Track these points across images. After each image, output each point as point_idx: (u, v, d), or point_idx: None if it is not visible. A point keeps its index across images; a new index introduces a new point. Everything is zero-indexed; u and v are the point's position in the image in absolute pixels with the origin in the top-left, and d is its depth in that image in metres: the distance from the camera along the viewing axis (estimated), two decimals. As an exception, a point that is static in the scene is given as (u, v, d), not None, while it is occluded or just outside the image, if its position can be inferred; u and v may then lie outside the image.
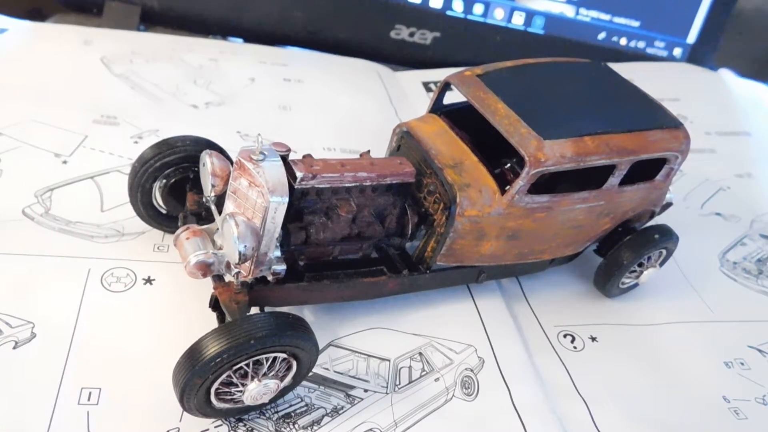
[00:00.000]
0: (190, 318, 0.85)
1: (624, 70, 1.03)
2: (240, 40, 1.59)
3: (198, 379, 0.69)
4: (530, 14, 1.63)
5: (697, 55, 1.74)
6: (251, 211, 0.76)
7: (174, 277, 0.89)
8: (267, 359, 0.72)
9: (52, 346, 0.80)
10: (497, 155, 0.93)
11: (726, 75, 1.75)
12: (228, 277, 0.80)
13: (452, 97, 0.96)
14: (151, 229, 0.95)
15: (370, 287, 0.87)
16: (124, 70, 1.32)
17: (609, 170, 0.88)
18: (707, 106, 1.59)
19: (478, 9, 1.61)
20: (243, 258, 0.72)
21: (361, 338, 0.89)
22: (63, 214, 0.96)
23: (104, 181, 1.03)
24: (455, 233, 0.86)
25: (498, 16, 1.62)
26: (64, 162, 1.06)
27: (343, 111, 1.35)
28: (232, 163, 0.80)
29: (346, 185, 0.83)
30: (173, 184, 0.90)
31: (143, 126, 1.16)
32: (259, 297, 0.80)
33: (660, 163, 0.92)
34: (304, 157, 0.83)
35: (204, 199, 0.84)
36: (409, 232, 0.89)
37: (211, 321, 0.79)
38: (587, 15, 1.65)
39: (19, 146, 1.07)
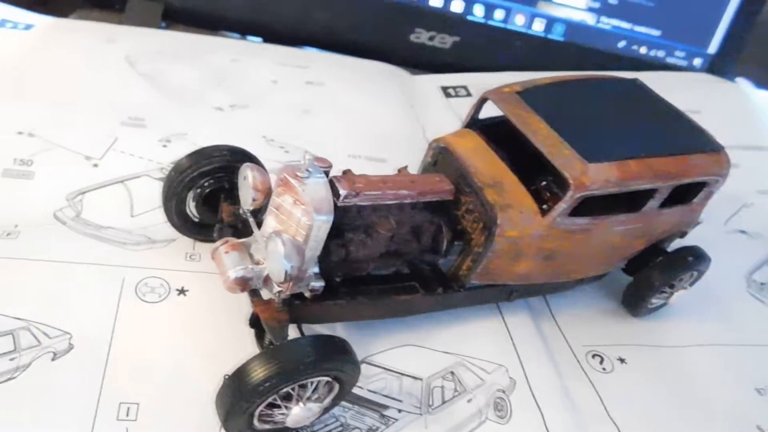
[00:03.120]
0: (225, 331, 0.84)
1: (642, 79, 1.02)
2: (259, 40, 1.59)
3: (244, 403, 0.68)
4: (551, 21, 1.62)
5: (716, 66, 1.72)
6: (294, 229, 0.75)
7: (207, 288, 0.88)
8: (312, 383, 0.71)
9: (89, 358, 0.79)
10: (532, 170, 0.91)
11: (744, 85, 1.74)
12: (265, 293, 0.79)
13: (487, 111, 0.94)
14: (180, 236, 0.94)
15: (405, 305, 0.87)
16: (148, 69, 1.31)
17: (645, 191, 0.87)
18: (728, 118, 1.57)
19: (499, 14, 1.60)
20: (288, 277, 0.71)
21: (392, 355, 0.89)
22: (94, 219, 0.95)
23: (134, 186, 1.02)
24: (493, 253, 0.85)
25: (518, 22, 1.61)
26: (95, 165, 1.05)
27: (365, 116, 1.34)
28: (267, 174, 0.80)
29: (387, 203, 0.82)
30: (208, 193, 0.89)
31: (170, 129, 1.16)
32: (296, 314, 0.79)
33: (698, 185, 0.91)
34: (344, 172, 0.82)
35: (240, 212, 0.83)
36: (443, 249, 0.87)
37: (245, 333, 0.79)
38: (608, 23, 1.64)
39: (50, 148, 1.06)
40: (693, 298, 1.05)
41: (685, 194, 0.93)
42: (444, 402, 0.84)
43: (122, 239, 0.93)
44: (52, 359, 0.78)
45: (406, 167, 0.90)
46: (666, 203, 0.90)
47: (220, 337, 0.84)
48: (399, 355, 0.89)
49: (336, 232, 0.79)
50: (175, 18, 1.54)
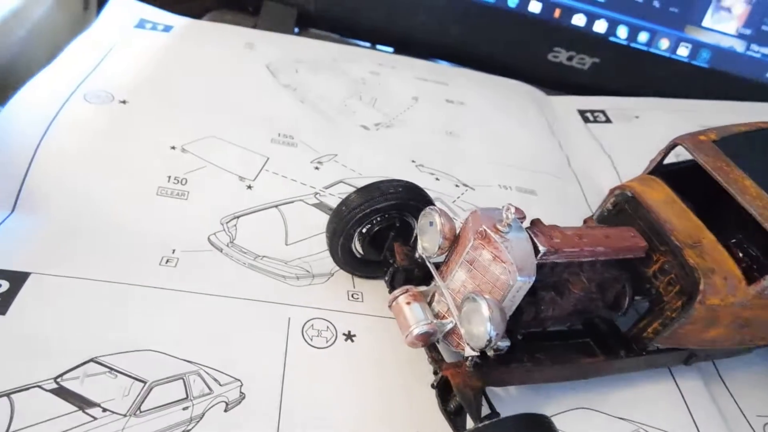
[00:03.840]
0: (398, 385, 0.79)
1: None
2: (390, 49, 1.54)
3: None
4: (697, 46, 1.55)
5: None
6: (490, 286, 0.70)
7: (375, 333, 0.84)
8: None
9: (262, 409, 0.73)
10: (721, 226, 0.84)
11: None
12: (444, 348, 0.75)
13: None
14: (339, 270, 0.90)
15: (586, 368, 0.82)
16: (290, 81, 1.27)
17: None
18: None
19: (643, 37, 1.54)
20: (489, 344, 0.66)
21: (566, 419, 0.82)
22: (247, 245, 0.91)
23: (288, 211, 0.97)
24: (687, 319, 0.78)
25: (663, 46, 1.54)
26: (249, 187, 1.00)
27: (509, 139, 1.29)
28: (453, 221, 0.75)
29: (582, 260, 0.76)
30: (376, 231, 0.84)
31: (320, 149, 1.11)
32: (484, 378, 0.73)
33: None
34: (532, 223, 0.76)
35: (417, 257, 0.79)
36: (625, 307, 0.81)
37: (417, 389, 0.76)
38: (758, 51, 1.55)
39: (204, 166, 1.01)
40: None
41: None
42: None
43: (281, 271, 0.89)
44: (225, 410, 0.72)
45: (591, 217, 0.84)
46: None
47: (392, 394, 0.78)
48: (573, 419, 0.82)
49: (532, 292, 0.73)
50: (307, 23, 1.51)
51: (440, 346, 0.76)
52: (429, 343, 0.73)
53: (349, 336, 0.83)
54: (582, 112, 1.46)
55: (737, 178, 0.80)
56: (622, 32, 1.53)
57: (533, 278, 0.68)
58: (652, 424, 0.84)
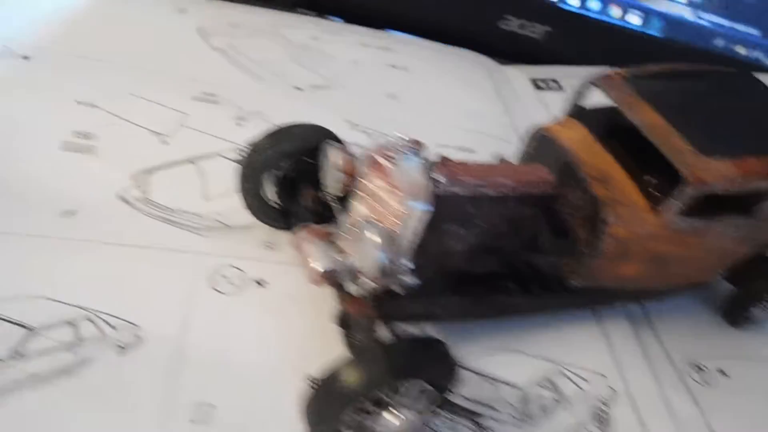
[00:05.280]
0: (308, 327, 0.79)
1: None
2: (340, 20, 1.53)
3: (336, 410, 0.63)
4: (648, 13, 1.54)
5: None
6: (388, 218, 0.69)
7: (288, 281, 0.82)
8: (407, 388, 0.65)
9: (161, 354, 0.72)
10: (643, 166, 0.84)
11: None
12: (350, 287, 0.72)
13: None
14: (257, 223, 0.88)
15: (502, 305, 0.82)
16: (222, 44, 1.26)
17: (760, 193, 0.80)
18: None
19: (594, 4, 1.53)
20: (383, 272, 0.66)
21: (486, 360, 0.82)
22: (162, 201, 0.90)
23: (207, 166, 0.96)
24: (597, 253, 0.78)
25: (614, 13, 1.53)
26: (164, 142, 0.99)
27: (452, 105, 1.28)
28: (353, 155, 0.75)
29: (486, 193, 0.75)
30: (289, 177, 0.83)
31: (245, 106, 1.09)
32: (387, 312, 0.72)
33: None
34: (441, 160, 0.75)
35: (323, 197, 0.78)
36: (544, 247, 0.81)
37: (328, 331, 0.73)
38: (707, 19, 1.55)
39: (115, 122, 1.00)
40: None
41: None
42: (543, 412, 0.79)
43: (194, 223, 0.88)
44: (119, 353, 0.71)
45: (505, 157, 0.84)
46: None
47: (302, 335, 0.78)
48: (494, 360, 0.83)
49: (431, 223, 0.72)
50: None
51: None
52: (334, 281, 0.71)
53: (260, 283, 0.83)
54: (534, 81, 1.46)
55: (644, 112, 0.80)
56: (574, -1, 1.52)
57: (428, 206, 0.68)
58: (574, 364, 0.85)
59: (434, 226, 0.72)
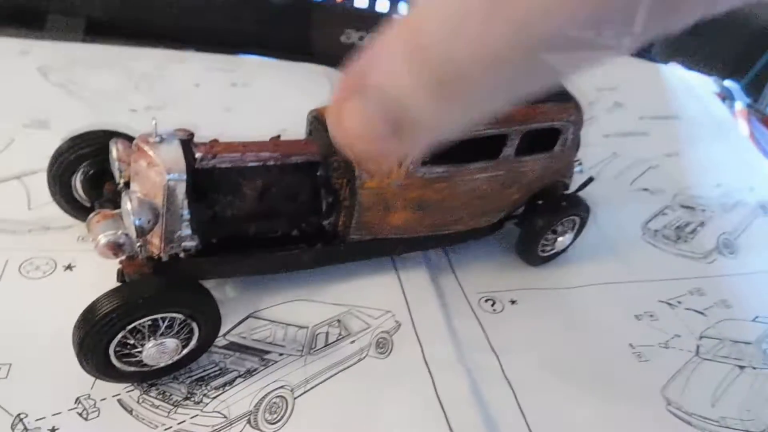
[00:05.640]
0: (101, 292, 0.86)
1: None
2: (192, 50, 1.59)
3: (94, 336, 0.72)
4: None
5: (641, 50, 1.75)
6: (152, 191, 0.79)
7: (96, 264, 0.89)
8: (163, 320, 0.76)
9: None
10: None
11: (672, 67, 1.78)
12: (136, 253, 0.82)
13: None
14: (77, 222, 0.97)
15: (285, 260, 0.91)
16: (61, 79, 1.34)
17: (501, 139, 0.91)
18: (642, 93, 1.65)
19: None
20: (140, 231, 0.75)
21: (281, 310, 0.93)
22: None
23: (31, 181, 1.06)
24: (360, 206, 0.89)
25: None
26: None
27: (288, 113, 1.32)
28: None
29: (251, 164, 0.86)
30: (92, 175, 0.93)
31: (78, 129, 1.17)
32: (172, 273, 0.83)
33: (553, 133, 0.96)
34: (211, 142, 0.85)
35: (117, 187, 0.87)
36: (323, 209, 0.91)
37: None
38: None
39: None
40: (590, 247, 1.12)
41: (549, 144, 0.97)
42: (327, 345, 0.89)
43: (18, 229, 0.97)
44: None
45: (278, 136, 0.94)
46: (525, 151, 0.94)
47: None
48: (288, 309, 0.93)
49: (203, 194, 0.83)
50: (99, 32, 1.53)
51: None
52: (122, 253, 0.80)
53: (68, 267, 0.93)
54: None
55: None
56: (405, 9, 1.62)
57: (184, 176, 0.78)
58: (365, 306, 0.95)
59: (205, 196, 0.83)
